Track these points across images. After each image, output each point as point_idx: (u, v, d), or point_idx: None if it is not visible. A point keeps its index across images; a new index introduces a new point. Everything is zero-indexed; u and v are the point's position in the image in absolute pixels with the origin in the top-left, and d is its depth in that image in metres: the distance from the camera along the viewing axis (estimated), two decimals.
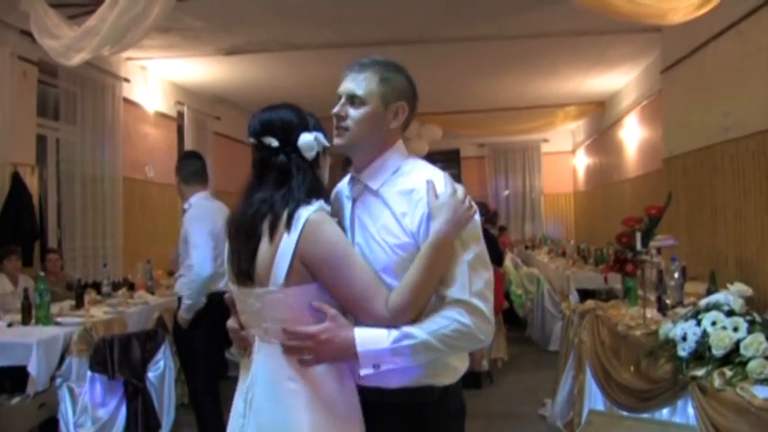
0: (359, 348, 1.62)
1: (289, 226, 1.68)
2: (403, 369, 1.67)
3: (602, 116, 10.98)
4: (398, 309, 1.62)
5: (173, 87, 8.72)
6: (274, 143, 1.78)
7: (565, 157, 14.02)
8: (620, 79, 9.26)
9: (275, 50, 7.28)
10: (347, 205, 1.86)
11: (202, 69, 8.14)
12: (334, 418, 1.69)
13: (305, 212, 1.69)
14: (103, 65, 6.84)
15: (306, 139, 1.77)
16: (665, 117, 7.00)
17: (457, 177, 14.25)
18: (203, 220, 4.10)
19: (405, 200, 1.74)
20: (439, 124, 11.43)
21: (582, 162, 13.11)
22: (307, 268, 1.67)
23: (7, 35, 5.54)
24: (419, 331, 1.61)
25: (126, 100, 7.40)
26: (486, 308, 1.67)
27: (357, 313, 1.68)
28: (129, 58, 7.43)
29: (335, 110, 1.80)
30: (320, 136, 1.81)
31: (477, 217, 1.74)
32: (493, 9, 6.20)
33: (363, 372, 1.65)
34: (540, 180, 14.18)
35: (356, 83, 1.78)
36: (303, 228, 1.67)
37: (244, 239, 1.76)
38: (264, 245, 1.71)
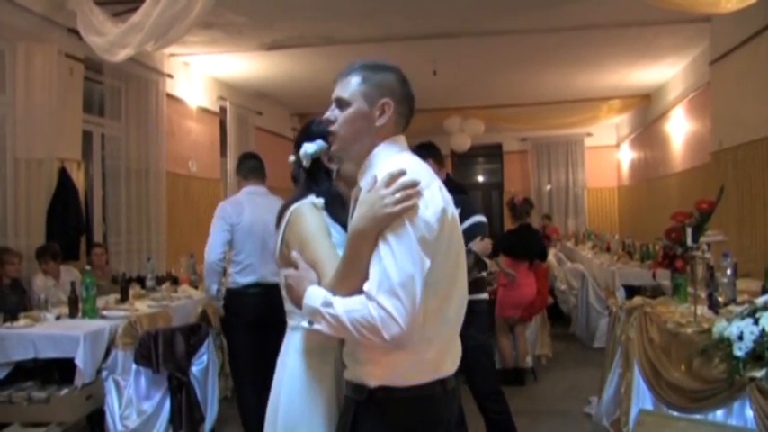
0: (303, 300, 1.76)
1: (284, 219, 2.04)
2: (348, 358, 1.81)
3: (647, 109, 10.76)
4: (329, 290, 1.76)
5: (215, 83, 8.80)
6: (291, 158, 2.18)
7: (609, 151, 13.80)
8: (666, 71, 9.05)
9: (316, 45, 7.28)
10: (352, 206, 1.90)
11: (244, 65, 8.20)
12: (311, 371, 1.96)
13: (293, 206, 2.02)
14: (147, 61, 6.92)
15: (302, 150, 2.08)
16: (713, 109, 6.82)
17: (499, 172, 14.36)
18: (223, 210, 4.35)
19: None
20: (481, 118, 11.36)
21: (626, 156, 12.88)
22: (290, 252, 1.97)
23: (55, 33, 5.63)
24: (339, 305, 1.67)
25: (169, 95, 7.49)
26: (395, 308, 1.58)
27: None
28: (172, 54, 7.52)
29: (326, 115, 1.87)
30: (320, 141, 2.05)
31: (423, 215, 1.65)
32: (537, 0, 6.10)
33: (302, 323, 1.83)
34: (584, 174, 13.98)
35: (342, 87, 1.83)
36: (288, 219, 2.01)
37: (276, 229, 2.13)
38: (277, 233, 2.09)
